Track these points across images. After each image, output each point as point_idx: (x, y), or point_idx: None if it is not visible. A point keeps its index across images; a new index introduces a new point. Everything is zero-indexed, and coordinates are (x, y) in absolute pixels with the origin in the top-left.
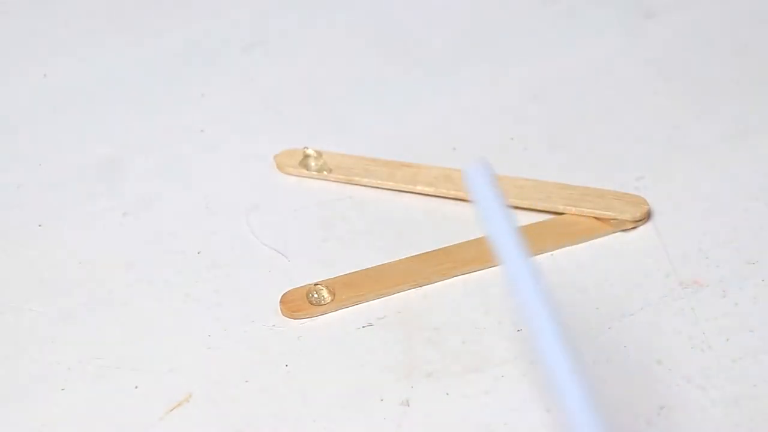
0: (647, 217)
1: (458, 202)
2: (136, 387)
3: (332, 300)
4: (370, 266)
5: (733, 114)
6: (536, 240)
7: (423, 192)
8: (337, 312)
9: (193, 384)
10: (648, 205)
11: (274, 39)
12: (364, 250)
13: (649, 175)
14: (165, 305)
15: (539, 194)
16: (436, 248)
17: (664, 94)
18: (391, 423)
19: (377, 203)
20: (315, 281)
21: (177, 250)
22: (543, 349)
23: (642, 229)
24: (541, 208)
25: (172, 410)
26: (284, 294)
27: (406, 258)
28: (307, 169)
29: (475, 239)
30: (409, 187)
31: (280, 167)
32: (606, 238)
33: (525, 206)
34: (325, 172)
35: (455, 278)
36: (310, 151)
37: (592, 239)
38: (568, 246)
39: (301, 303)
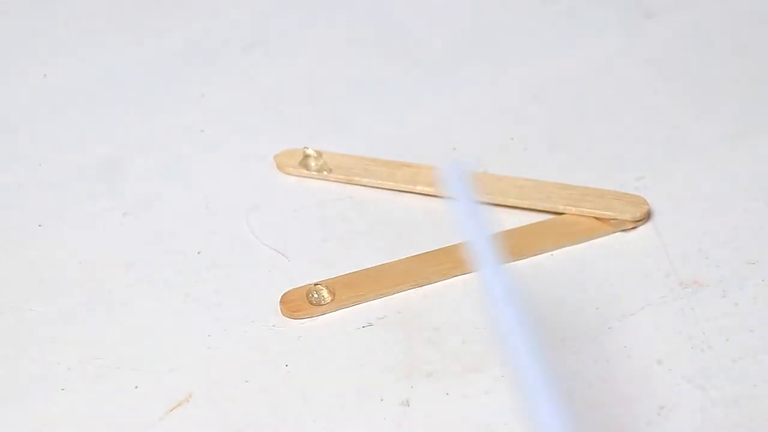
0: (647, 217)
1: None
2: (136, 387)
3: (332, 300)
4: (370, 266)
5: (733, 114)
6: (536, 240)
7: (423, 192)
8: (337, 312)
9: (193, 384)
10: (648, 205)
11: (274, 39)
12: (364, 250)
13: (649, 175)
14: (165, 305)
15: (539, 194)
16: (436, 248)
17: (664, 94)
18: (391, 423)
19: (377, 203)
20: (315, 281)
21: (177, 250)
22: (511, 352)
23: (642, 229)
24: (541, 208)
25: (172, 410)
26: (284, 294)
27: (406, 258)
28: (307, 169)
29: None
30: (409, 187)
31: (280, 167)
32: (606, 238)
33: (525, 206)
34: (325, 172)
35: (455, 278)
36: (310, 151)
37: (592, 239)
38: (568, 246)
39: (301, 303)
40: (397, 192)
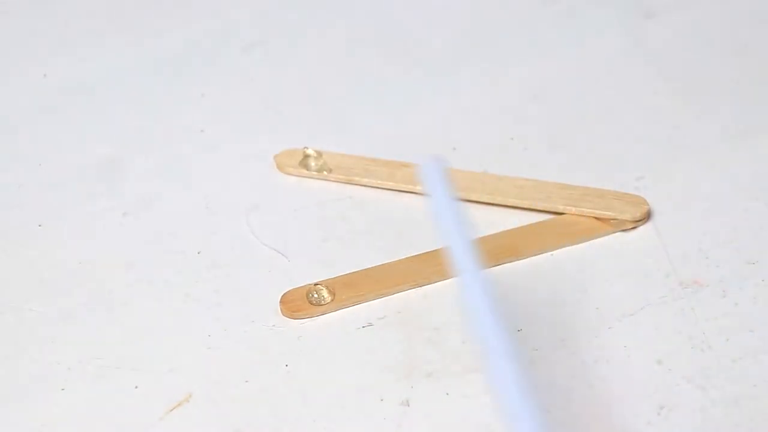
0: (647, 217)
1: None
2: (136, 387)
3: (332, 300)
4: (370, 266)
5: (733, 114)
6: (536, 240)
7: (423, 192)
8: (337, 312)
9: (193, 384)
10: (648, 205)
11: (274, 39)
12: (364, 250)
13: (649, 175)
14: (165, 305)
15: (539, 194)
16: (436, 248)
17: (664, 94)
18: (391, 423)
19: (377, 203)
20: (315, 281)
21: (177, 250)
22: (481, 342)
23: (642, 229)
24: (541, 208)
25: (172, 410)
26: (284, 294)
27: (406, 258)
28: (307, 169)
29: (475, 239)
30: (409, 187)
31: (280, 167)
32: (606, 238)
33: (525, 206)
34: (325, 172)
35: (455, 278)
36: (310, 151)
37: (592, 239)
38: (568, 246)
39: (301, 303)
40: (397, 192)
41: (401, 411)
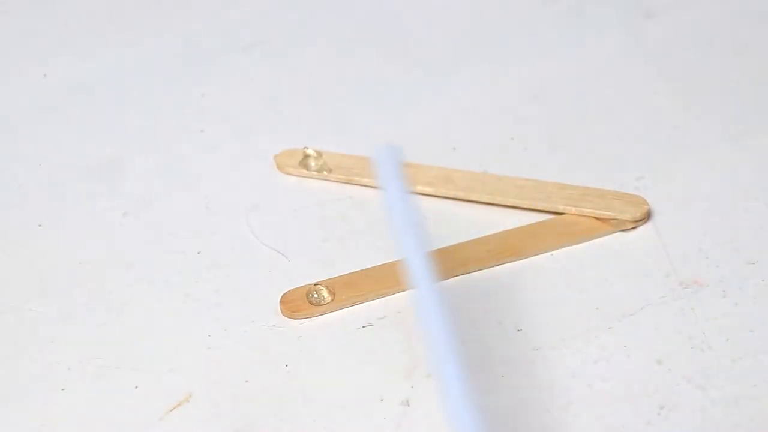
0: (647, 217)
1: (458, 202)
2: (136, 387)
3: (332, 300)
4: (370, 266)
5: (733, 114)
6: (536, 240)
7: (423, 192)
8: (337, 312)
9: (193, 384)
10: (648, 205)
11: (274, 39)
12: (364, 250)
13: (649, 175)
14: (165, 305)
15: (539, 194)
16: (436, 248)
17: (664, 94)
18: (391, 423)
19: (377, 203)
20: (315, 281)
21: (177, 250)
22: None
23: (642, 229)
24: (541, 208)
25: (172, 410)
26: (284, 294)
27: None
28: (307, 169)
29: (475, 239)
30: (409, 188)
31: (280, 167)
32: (606, 238)
33: (525, 206)
34: (325, 172)
35: (455, 278)
36: (310, 151)
37: (592, 239)
38: (568, 246)
39: (301, 303)
40: None
41: (401, 411)
